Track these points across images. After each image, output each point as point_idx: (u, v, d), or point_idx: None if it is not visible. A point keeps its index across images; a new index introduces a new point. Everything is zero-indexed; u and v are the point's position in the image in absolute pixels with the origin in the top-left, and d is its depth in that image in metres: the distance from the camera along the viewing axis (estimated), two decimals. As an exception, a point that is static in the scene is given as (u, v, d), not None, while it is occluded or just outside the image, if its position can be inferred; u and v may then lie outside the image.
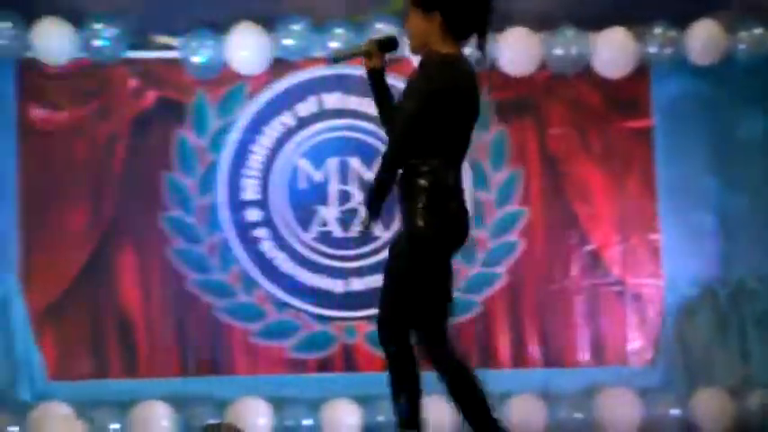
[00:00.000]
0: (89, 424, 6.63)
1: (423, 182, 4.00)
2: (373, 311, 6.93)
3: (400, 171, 4.05)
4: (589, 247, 7.32)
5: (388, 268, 4.11)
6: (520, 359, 7.24)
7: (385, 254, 7.10)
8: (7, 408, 6.74)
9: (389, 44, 4.17)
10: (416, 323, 4.08)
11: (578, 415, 6.88)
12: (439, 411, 6.20)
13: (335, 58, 4.44)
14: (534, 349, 7.26)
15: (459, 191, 4.12)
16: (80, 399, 6.75)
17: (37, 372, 6.95)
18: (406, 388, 4.13)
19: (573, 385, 7.03)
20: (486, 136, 7.30)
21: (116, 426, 6.66)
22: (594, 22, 7.14)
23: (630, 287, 7.30)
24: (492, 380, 6.90)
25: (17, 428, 6.61)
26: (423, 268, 4.02)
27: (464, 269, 7.20)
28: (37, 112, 7.15)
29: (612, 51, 7.11)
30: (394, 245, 4.16)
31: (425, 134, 3.98)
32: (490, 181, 7.31)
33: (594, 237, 7.32)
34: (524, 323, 7.29)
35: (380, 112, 4.23)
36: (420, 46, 4.09)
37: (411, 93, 4.05)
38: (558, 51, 7.13)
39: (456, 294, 7.07)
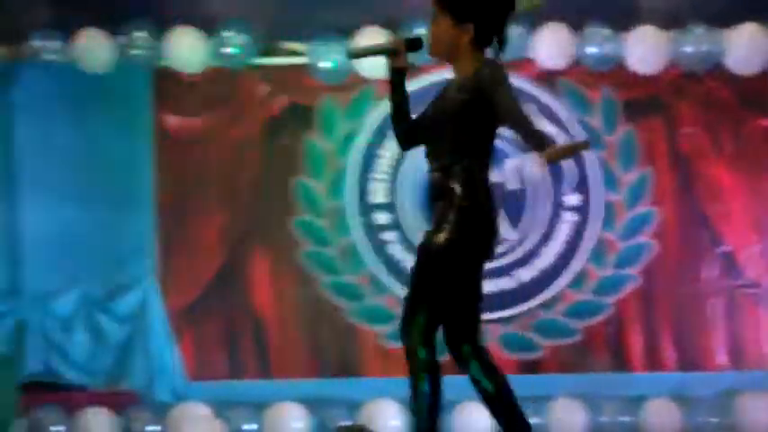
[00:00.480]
0: (226, 424, 6.76)
1: (461, 186, 3.83)
2: (503, 313, 7.23)
3: (435, 170, 3.89)
4: (723, 249, 7.21)
5: (418, 267, 3.90)
6: (654, 362, 7.15)
7: (515, 257, 7.31)
8: (147, 408, 6.93)
9: (417, 44, 3.99)
10: (443, 323, 3.94)
11: (715, 419, 6.77)
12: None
13: (355, 54, 4.30)
14: (668, 352, 7.16)
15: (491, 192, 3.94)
16: (217, 399, 6.88)
17: (176, 372, 7.11)
18: (425, 394, 3.95)
19: (709, 389, 6.92)
20: (613, 136, 7.26)
21: (252, 426, 6.77)
22: (725, 18, 7.01)
23: (766, 289, 7.16)
24: (625, 383, 7.03)
25: (158, 428, 6.81)
26: (450, 275, 3.86)
27: (596, 271, 7.18)
28: (171, 120, 7.31)
29: (745, 48, 6.96)
30: (426, 243, 3.90)
31: (478, 133, 3.87)
32: (620, 182, 7.25)
33: (728, 238, 7.20)
34: (658, 326, 7.19)
35: (396, 113, 4.01)
36: (442, 53, 3.94)
37: (496, 90, 3.80)
38: (688, 49, 7.02)
39: (588, 296, 7.19)
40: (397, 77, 3.99)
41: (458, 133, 3.86)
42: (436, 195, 3.90)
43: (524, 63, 7.18)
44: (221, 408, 6.80)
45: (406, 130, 4.03)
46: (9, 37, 7.25)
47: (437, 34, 3.92)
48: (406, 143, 4.07)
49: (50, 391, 6.98)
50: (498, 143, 4.00)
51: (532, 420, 6.69)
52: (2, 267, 7.13)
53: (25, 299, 7.11)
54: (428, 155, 3.94)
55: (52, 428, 6.77)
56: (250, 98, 7.32)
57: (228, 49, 7.12)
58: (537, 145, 3.83)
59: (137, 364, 7.08)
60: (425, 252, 3.87)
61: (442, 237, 3.84)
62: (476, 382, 4.00)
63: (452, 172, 3.86)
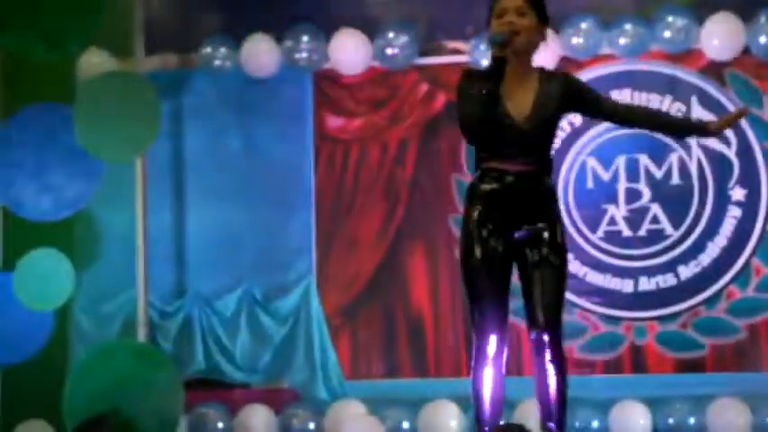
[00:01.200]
0: (382, 422, 6.76)
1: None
2: (663, 311, 7.03)
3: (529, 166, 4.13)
4: None
5: (561, 264, 4.18)
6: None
7: (674, 254, 7.10)
8: (306, 405, 7.02)
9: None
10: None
11: None
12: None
13: (494, 40, 4.04)
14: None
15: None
16: (374, 397, 6.92)
17: (333, 371, 7.17)
18: None
19: None
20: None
21: (407, 424, 6.78)
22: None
23: None
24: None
25: (316, 425, 6.88)
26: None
27: (761, 267, 6.95)
28: (332, 121, 7.39)
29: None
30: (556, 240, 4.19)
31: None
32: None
33: None
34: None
35: (489, 103, 3.96)
36: (525, 48, 4.10)
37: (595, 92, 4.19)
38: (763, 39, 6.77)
39: (751, 293, 6.91)
40: (500, 67, 3.98)
41: (553, 133, 4.17)
42: (529, 191, 4.10)
43: (691, 54, 7.00)
44: (377, 406, 6.83)
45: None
46: (182, 45, 7.50)
47: (528, 30, 4.08)
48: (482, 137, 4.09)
49: (213, 389, 7.16)
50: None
51: (693, 420, 6.57)
52: (169, 269, 7.33)
53: (191, 299, 7.31)
54: (513, 153, 4.09)
55: (214, 425, 6.93)
56: (410, 98, 7.34)
57: (390, 50, 7.17)
58: (692, 126, 4.38)
59: (296, 362, 7.18)
60: (561, 249, 4.13)
61: (561, 233, 4.13)
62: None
63: (547, 169, 4.16)
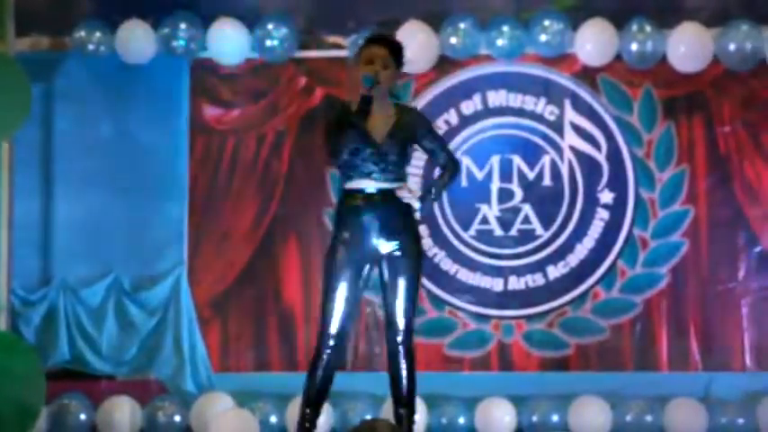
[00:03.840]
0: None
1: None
2: (531, 310, 7.14)
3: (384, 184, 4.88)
4: (758, 249, 7.00)
5: (416, 273, 4.96)
6: (680, 362, 6.97)
7: (544, 253, 7.22)
8: (173, 398, 6.89)
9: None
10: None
11: (740, 420, 6.62)
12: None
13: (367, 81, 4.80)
14: (695, 352, 6.99)
15: None
16: (242, 391, 6.84)
17: (202, 364, 7.05)
18: None
19: (736, 390, 6.78)
20: (652, 134, 7.14)
21: (275, 418, 6.71)
22: (768, 16, 6.89)
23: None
24: (650, 382, 6.91)
25: (181, 418, 6.80)
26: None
27: (625, 269, 7.07)
28: (209, 111, 7.26)
29: (788, 46, 6.77)
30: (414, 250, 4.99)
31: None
32: (655, 180, 7.11)
33: (764, 238, 6.98)
34: (686, 325, 7.02)
35: (348, 134, 4.83)
36: (386, 88, 4.93)
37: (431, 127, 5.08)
38: (732, 47, 6.85)
39: (616, 294, 7.08)
40: (370, 103, 4.78)
41: (408, 154, 4.94)
42: (387, 206, 4.84)
43: (566, 58, 7.10)
44: (246, 399, 6.74)
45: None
46: (54, 27, 7.33)
47: (390, 75, 4.89)
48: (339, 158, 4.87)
49: (77, 380, 6.98)
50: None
51: (556, 418, 6.70)
52: (34, 256, 7.12)
53: (56, 287, 7.11)
54: (371, 172, 4.83)
55: (77, 417, 6.77)
56: (288, 91, 7.24)
57: (269, 42, 7.08)
58: (454, 172, 5.06)
59: (164, 354, 7.04)
60: (416, 261, 4.90)
61: (420, 244, 4.92)
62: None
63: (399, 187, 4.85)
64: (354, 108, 4.79)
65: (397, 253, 4.84)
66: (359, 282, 4.85)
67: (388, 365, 4.90)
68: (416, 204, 4.92)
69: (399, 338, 4.81)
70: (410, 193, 4.90)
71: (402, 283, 4.82)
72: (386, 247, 4.84)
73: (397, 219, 4.84)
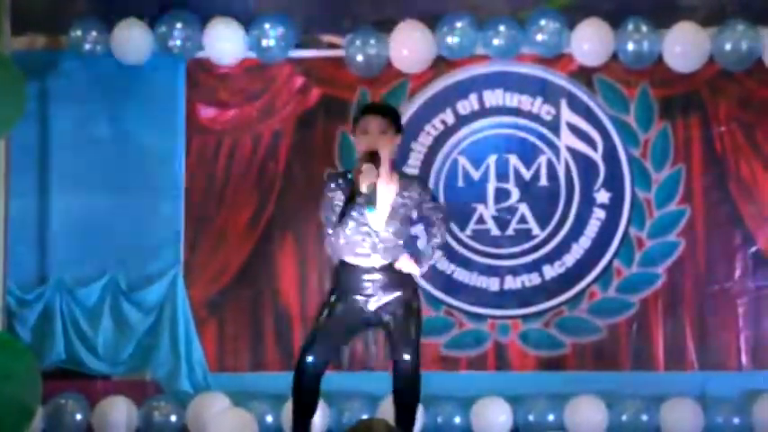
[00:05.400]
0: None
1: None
2: (527, 310, 7.14)
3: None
4: (754, 248, 6.99)
5: (417, 318, 5.16)
6: (676, 361, 6.97)
7: (541, 253, 7.22)
8: (169, 398, 6.88)
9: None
10: None
11: (736, 420, 6.61)
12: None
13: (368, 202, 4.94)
14: (692, 352, 6.98)
15: None
16: (239, 391, 6.84)
17: (198, 364, 7.03)
18: None
19: (732, 389, 6.78)
20: (648, 134, 7.15)
21: (271, 418, 6.70)
22: (765, 16, 6.85)
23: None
24: (646, 382, 6.91)
25: (177, 418, 6.79)
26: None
27: (621, 269, 7.07)
28: (205, 111, 7.23)
29: (785, 46, 6.73)
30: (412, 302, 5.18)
31: None
32: (651, 180, 7.09)
33: (760, 237, 6.97)
34: (682, 325, 7.00)
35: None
36: (387, 157, 5.03)
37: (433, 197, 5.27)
38: (727, 47, 6.84)
39: (613, 294, 7.09)
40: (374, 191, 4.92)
41: (405, 231, 5.11)
42: (386, 276, 5.07)
43: (562, 58, 7.10)
44: (242, 399, 6.72)
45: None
46: (51, 26, 7.32)
47: (388, 143, 5.03)
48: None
49: (73, 380, 6.97)
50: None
51: (552, 417, 6.71)
52: (31, 255, 7.10)
53: (52, 286, 7.09)
54: (369, 253, 5.01)
55: (73, 417, 6.76)
56: (285, 90, 7.23)
57: (265, 42, 7.06)
58: (442, 240, 5.24)
59: (160, 354, 7.02)
60: (419, 309, 5.17)
61: (419, 300, 5.17)
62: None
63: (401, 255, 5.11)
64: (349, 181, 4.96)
65: (399, 306, 5.04)
66: (348, 331, 5.15)
67: (393, 398, 5.12)
68: (418, 271, 5.09)
69: (406, 358, 5.00)
70: (408, 261, 5.06)
71: (406, 326, 5.01)
72: (387, 304, 5.03)
73: (396, 282, 5.04)
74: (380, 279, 5.02)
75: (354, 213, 4.93)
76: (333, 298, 5.06)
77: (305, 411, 5.11)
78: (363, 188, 4.82)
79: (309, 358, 5.03)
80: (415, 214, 5.17)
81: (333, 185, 4.98)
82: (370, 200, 4.87)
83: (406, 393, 5.01)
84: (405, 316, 5.01)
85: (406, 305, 5.04)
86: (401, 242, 5.07)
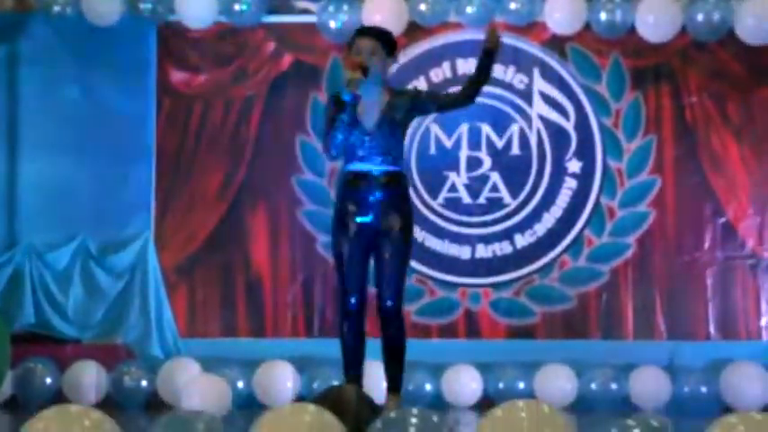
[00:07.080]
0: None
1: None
2: (498, 278, 7.18)
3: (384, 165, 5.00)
4: (723, 219, 7.04)
5: (407, 242, 5.08)
6: (645, 330, 7.02)
7: (512, 221, 7.27)
8: (139, 363, 6.83)
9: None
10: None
11: (704, 389, 6.67)
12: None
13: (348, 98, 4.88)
14: (660, 321, 7.05)
15: None
16: (209, 356, 6.80)
17: (168, 329, 7.02)
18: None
19: (700, 359, 6.82)
20: (620, 104, 7.19)
21: (242, 384, 6.66)
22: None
23: (765, 260, 7.01)
24: (615, 351, 6.98)
25: (147, 383, 6.74)
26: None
27: (592, 238, 7.11)
28: (176, 75, 7.20)
29: (756, 18, 6.72)
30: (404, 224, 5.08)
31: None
32: (623, 149, 7.14)
33: (730, 208, 7.03)
34: (652, 294, 7.05)
35: (344, 128, 4.94)
36: (377, 75, 5.01)
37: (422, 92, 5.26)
38: (699, 18, 6.86)
39: (583, 263, 7.14)
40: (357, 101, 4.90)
41: (400, 137, 5.05)
42: (382, 188, 4.96)
43: (535, 27, 7.10)
44: (213, 365, 6.69)
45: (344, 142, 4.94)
46: (19, -12, 7.24)
47: (376, 63, 4.97)
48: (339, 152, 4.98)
49: (43, 344, 6.91)
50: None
51: (522, 385, 6.76)
52: (0, 219, 7.11)
53: (22, 251, 7.05)
54: (364, 156, 4.96)
55: (42, 380, 6.72)
56: (257, 56, 7.20)
57: (238, 6, 7.01)
58: (480, 61, 5.03)
59: (130, 319, 7.00)
60: (408, 241, 5.01)
61: (409, 227, 5.02)
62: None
63: (400, 167, 5.02)
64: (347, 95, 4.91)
65: (395, 231, 4.95)
66: (366, 250, 5.00)
67: (380, 330, 5.05)
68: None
69: (389, 303, 4.96)
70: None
71: (394, 256, 4.95)
72: (384, 224, 4.95)
73: (397, 200, 4.97)
74: (381, 188, 4.98)
75: (345, 117, 4.90)
76: (341, 223, 5.00)
77: (357, 354, 5.09)
78: (347, 82, 4.84)
79: (352, 299, 4.98)
80: (409, 123, 5.09)
81: (333, 107, 4.96)
82: (349, 86, 4.85)
83: (390, 337, 5.04)
84: (397, 247, 4.97)
85: (402, 227, 5.00)
86: (398, 149, 5.02)
